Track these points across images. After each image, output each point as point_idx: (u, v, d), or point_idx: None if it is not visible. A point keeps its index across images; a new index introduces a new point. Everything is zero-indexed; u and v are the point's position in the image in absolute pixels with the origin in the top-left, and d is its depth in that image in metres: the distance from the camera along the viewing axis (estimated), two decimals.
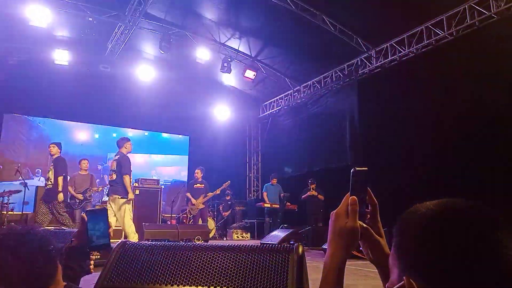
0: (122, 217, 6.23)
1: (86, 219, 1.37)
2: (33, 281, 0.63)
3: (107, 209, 1.40)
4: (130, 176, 6.35)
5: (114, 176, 6.43)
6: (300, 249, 1.00)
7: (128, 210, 6.24)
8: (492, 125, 6.47)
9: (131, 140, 6.87)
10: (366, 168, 0.87)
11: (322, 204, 9.83)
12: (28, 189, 8.55)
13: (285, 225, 8.73)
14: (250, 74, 10.62)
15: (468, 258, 0.57)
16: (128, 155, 6.65)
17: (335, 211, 0.88)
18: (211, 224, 9.92)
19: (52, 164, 7.15)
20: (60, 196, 6.96)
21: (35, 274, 0.57)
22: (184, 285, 0.92)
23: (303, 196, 9.90)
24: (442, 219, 0.62)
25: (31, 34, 8.99)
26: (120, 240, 1.06)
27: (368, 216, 0.89)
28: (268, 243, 7.03)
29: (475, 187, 6.13)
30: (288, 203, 10.50)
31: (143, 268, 0.96)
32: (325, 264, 0.85)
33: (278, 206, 10.16)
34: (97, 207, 8.43)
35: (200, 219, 9.15)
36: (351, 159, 9.47)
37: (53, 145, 7.28)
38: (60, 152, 7.33)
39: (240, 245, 1.02)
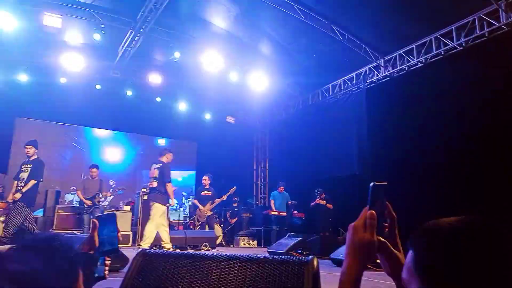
0: (159, 224, 6.58)
1: (97, 224, 1.41)
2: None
3: (116, 214, 1.43)
4: (171, 184, 6.70)
5: (155, 184, 6.78)
6: (315, 262, 1.02)
7: (164, 217, 6.62)
8: (504, 135, 6.43)
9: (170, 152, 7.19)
10: (385, 183, 0.90)
11: (331, 213, 9.84)
12: (39, 193, 8.64)
13: (292, 233, 8.72)
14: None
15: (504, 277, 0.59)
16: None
17: (353, 224, 0.90)
18: (218, 230, 9.93)
19: (30, 164, 6.46)
20: (17, 196, 6.30)
21: (60, 281, 0.58)
22: None
23: (311, 204, 9.92)
24: (474, 237, 0.64)
25: (44, 39, 9.17)
26: (140, 249, 1.09)
27: (386, 229, 0.91)
28: (275, 251, 7.03)
29: (484, 197, 6.09)
30: (295, 211, 10.50)
31: (164, 276, 0.99)
32: (341, 275, 0.88)
33: (285, 214, 10.16)
34: (105, 212, 8.50)
35: (207, 225, 9.18)
36: (358, 168, 9.46)
37: (30, 146, 6.58)
38: (36, 152, 6.70)
39: (257, 256, 1.05)
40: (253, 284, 0.97)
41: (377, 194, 0.89)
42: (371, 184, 0.90)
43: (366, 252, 0.87)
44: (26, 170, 6.44)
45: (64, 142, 11.60)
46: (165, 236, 6.64)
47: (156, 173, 6.84)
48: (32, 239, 0.75)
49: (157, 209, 6.61)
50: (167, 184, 6.66)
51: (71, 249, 0.73)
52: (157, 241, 6.89)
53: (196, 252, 1.10)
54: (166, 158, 6.91)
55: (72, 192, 10.51)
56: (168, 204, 6.77)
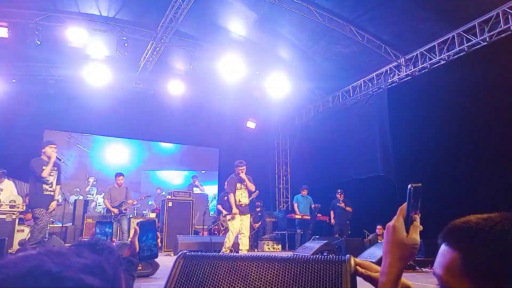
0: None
1: (138, 230, 1.46)
2: None
3: (155, 221, 1.49)
4: (233, 194, 6.82)
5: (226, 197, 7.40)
6: (352, 261, 1.04)
7: (231, 226, 6.75)
8: None
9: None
10: (420, 185, 0.91)
11: (349, 215, 9.80)
12: (69, 204, 8.91)
13: (317, 237, 8.67)
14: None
15: None
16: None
17: (391, 223, 0.91)
18: None
19: (55, 168, 6.13)
20: (53, 205, 6.10)
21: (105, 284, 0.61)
22: None
23: (330, 209, 9.96)
24: None
25: (69, 54, 9.48)
26: (180, 252, 1.14)
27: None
28: (301, 255, 7.00)
29: (508, 196, 5.92)
30: (319, 214, 10.44)
31: (205, 278, 1.03)
32: (381, 275, 0.89)
33: (309, 217, 10.11)
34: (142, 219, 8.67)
35: None
36: (382, 169, 9.35)
37: (54, 145, 6.15)
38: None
39: (295, 256, 1.07)
40: (294, 284, 0.99)
41: (414, 196, 0.91)
42: (409, 186, 0.91)
43: (408, 251, 0.88)
44: (53, 174, 6.09)
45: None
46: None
47: (225, 185, 7.46)
48: (82, 241, 0.78)
49: (226, 219, 7.25)
50: (229, 194, 6.95)
51: (114, 253, 0.76)
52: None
53: (235, 254, 1.14)
54: (238, 172, 7.06)
55: (75, 194, 10.82)
56: (229, 214, 6.98)
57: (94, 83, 10.03)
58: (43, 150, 6.01)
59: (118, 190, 8.63)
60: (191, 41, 9.85)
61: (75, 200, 9.92)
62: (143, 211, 10.95)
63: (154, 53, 9.80)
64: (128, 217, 9.05)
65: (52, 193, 5.98)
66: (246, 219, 6.78)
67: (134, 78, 10.96)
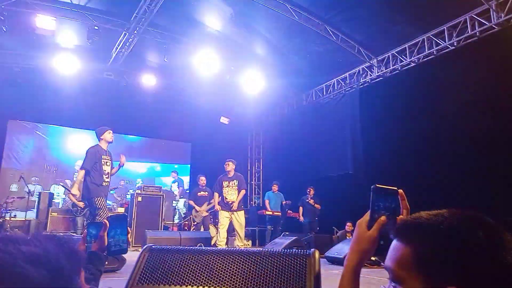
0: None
1: (107, 225, 1.43)
2: (57, 285, 0.65)
3: (127, 216, 1.46)
4: (218, 194, 7.41)
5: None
6: (317, 255, 1.06)
7: (219, 221, 7.32)
8: (496, 134, 6.52)
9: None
10: (381, 186, 0.94)
11: (318, 212, 9.96)
12: (32, 196, 8.59)
13: (287, 233, 8.76)
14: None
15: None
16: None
17: (358, 220, 0.96)
18: (212, 231, 9.92)
19: (108, 155, 5.78)
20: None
21: (61, 282, 0.59)
22: (208, 286, 0.98)
23: (299, 205, 10.06)
24: (476, 232, 0.66)
25: (36, 42, 9.12)
26: (146, 245, 1.12)
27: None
28: (266, 249, 7.06)
29: (475, 194, 6.17)
30: (289, 211, 10.54)
31: (170, 270, 1.02)
32: (344, 267, 0.93)
33: (279, 213, 10.19)
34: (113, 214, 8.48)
35: (202, 226, 9.18)
36: (351, 167, 9.53)
37: (111, 130, 5.91)
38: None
39: (260, 250, 1.08)
40: (258, 276, 1.00)
41: (377, 195, 0.94)
42: (373, 186, 0.95)
43: (366, 246, 0.91)
44: (109, 164, 5.73)
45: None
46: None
47: None
48: (30, 238, 0.76)
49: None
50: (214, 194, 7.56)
51: (73, 247, 0.74)
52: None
53: (201, 247, 1.13)
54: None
55: (33, 183, 10.46)
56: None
57: (63, 73, 9.69)
58: (101, 137, 5.72)
59: None
60: (165, 34, 9.68)
61: (40, 192, 9.58)
62: (113, 206, 10.72)
63: (127, 44, 9.58)
64: None
65: (107, 183, 5.62)
66: (240, 215, 7.18)
67: (105, 68, 10.67)
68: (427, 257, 0.67)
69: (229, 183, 7.32)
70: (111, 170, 5.68)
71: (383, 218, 0.92)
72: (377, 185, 0.95)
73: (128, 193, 11.51)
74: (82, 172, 5.45)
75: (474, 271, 0.63)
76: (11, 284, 0.50)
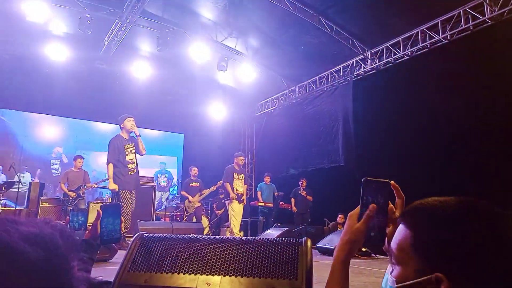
0: (229, 217, 7.71)
1: (101, 213, 1.42)
2: (55, 271, 0.65)
3: (121, 205, 1.45)
4: (230, 183, 7.67)
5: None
6: (309, 243, 1.06)
7: (231, 210, 7.58)
8: (489, 127, 6.59)
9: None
10: (370, 179, 0.95)
11: (310, 204, 10.01)
12: (23, 185, 8.53)
13: (279, 224, 8.81)
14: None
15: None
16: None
17: (350, 212, 0.97)
18: (204, 222, 9.94)
19: (131, 141, 5.63)
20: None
21: (56, 264, 0.59)
22: (201, 274, 0.98)
23: (291, 197, 10.10)
24: (477, 218, 0.66)
25: (27, 29, 8.96)
26: (138, 233, 1.11)
27: (390, 225, 0.95)
28: (259, 237, 7.13)
29: (469, 186, 6.24)
30: (282, 202, 10.58)
31: (161, 258, 1.01)
32: (333, 258, 0.95)
33: (271, 205, 10.22)
34: (102, 203, 8.44)
35: (194, 217, 9.19)
36: (344, 160, 9.57)
37: (132, 118, 5.83)
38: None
39: (252, 238, 1.08)
40: (251, 264, 0.99)
41: (370, 189, 0.94)
42: (363, 179, 0.96)
43: (354, 237, 0.93)
44: (133, 151, 5.64)
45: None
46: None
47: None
48: (23, 221, 0.77)
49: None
50: (224, 183, 7.72)
51: (67, 234, 0.74)
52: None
53: (193, 236, 1.13)
54: (234, 163, 7.83)
55: (1, 172, 10.30)
56: (227, 200, 7.78)
57: (54, 61, 9.56)
58: (121, 126, 5.61)
59: (76, 173, 8.36)
60: (158, 23, 9.57)
61: (30, 182, 9.49)
62: (104, 196, 10.67)
63: (119, 33, 9.45)
64: (86, 201, 8.81)
65: (134, 171, 5.55)
66: (241, 206, 7.71)
67: (97, 57, 10.53)
68: (423, 242, 0.68)
69: (237, 175, 7.72)
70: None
71: (371, 209, 0.93)
72: (367, 178, 0.96)
73: None
74: (110, 166, 5.45)
75: (463, 263, 0.63)
76: (7, 260, 0.51)
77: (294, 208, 10.11)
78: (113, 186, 5.55)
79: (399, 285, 0.70)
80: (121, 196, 5.41)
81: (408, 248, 0.71)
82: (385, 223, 0.94)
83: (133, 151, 5.63)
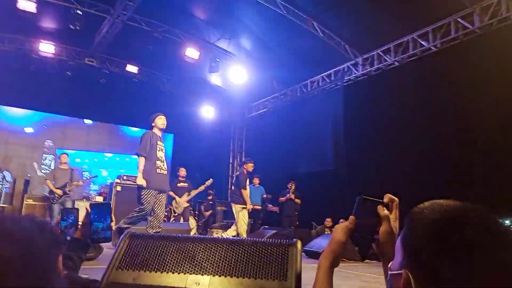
0: (237, 221, 7.52)
1: (89, 211, 1.40)
2: (32, 268, 0.63)
3: (110, 203, 1.44)
4: (246, 190, 7.60)
5: (233, 188, 8.07)
6: (299, 244, 1.06)
7: (242, 216, 7.46)
8: (477, 134, 6.69)
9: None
10: (380, 201, 0.99)
11: (298, 207, 10.00)
12: (8, 182, 8.39)
13: (266, 226, 8.80)
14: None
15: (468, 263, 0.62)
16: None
17: (336, 225, 1.03)
18: (192, 223, 9.88)
19: (162, 142, 5.52)
20: None
21: (34, 260, 0.58)
22: (190, 273, 0.97)
23: (280, 199, 10.07)
24: (449, 223, 0.67)
25: (17, 23, 8.83)
26: (127, 231, 1.10)
27: (376, 242, 0.99)
28: (249, 238, 7.11)
29: (458, 190, 6.33)
30: (270, 205, 10.57)
31: (151, 257, 1.00)
32: (317, 266, 1.00)
33: (259, 207, 10.20)
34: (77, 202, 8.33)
35: (182, 217, 9.13)
36: (333, 164, 9.61)
37: (163, 116, 5.80)
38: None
39: (243, 238, 1.07)
40: (241, 265, 0.99)
41: (364, 207, 0.97)
42: (358, 197, 0.99)
43: (335, 249, 0.99)
44: (163, 149, 5.48)
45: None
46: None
47: (234, 179, 8.11)
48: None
49: (234, 208, 7.64)
50: (241, 190, 7.53)
51: (48, 230, 0.73)
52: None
53: (183, 235, 1.12)
54: (244, 169, 7.85)
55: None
56: (243, 207, 7.57)
57: (42, 56, 9.44)
58: (153, 124, 5.47)
59: (62, 171, 8.24)
60: (150, 22, 9.51)
61: (14, 179, 9.34)
62: (88, 192, 10.54)
63: (110, 30, 9.37)
64: (72, 199, 8.68)
65: (162, 171, 5.22)
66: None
67: (87, 54, 10.42)
68: (405, 239, 0.73)
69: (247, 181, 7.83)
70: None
71: (351, 221, 0.98)
72: (363, 196, 0.98)
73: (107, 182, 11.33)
74: (142, 159, 5.08)
75: (427, 267, 0.64)
76: None
77: (275, 208, 10.13)
78: (142, 181, 5.08)
79: (390, 272, 0.77)
80: (142, 194, 5.04)
81: (399, 242, 0.75)
82: (372, 239, 0.98)
83: (163, 149, 5.43)
